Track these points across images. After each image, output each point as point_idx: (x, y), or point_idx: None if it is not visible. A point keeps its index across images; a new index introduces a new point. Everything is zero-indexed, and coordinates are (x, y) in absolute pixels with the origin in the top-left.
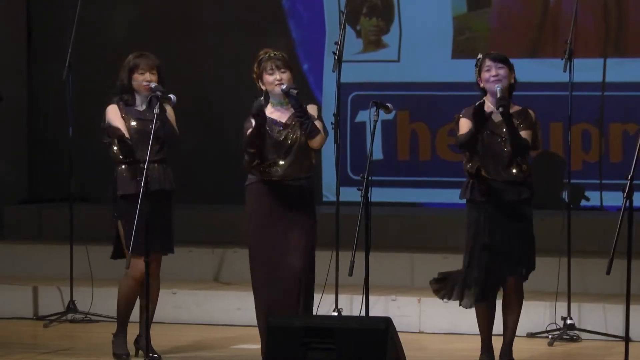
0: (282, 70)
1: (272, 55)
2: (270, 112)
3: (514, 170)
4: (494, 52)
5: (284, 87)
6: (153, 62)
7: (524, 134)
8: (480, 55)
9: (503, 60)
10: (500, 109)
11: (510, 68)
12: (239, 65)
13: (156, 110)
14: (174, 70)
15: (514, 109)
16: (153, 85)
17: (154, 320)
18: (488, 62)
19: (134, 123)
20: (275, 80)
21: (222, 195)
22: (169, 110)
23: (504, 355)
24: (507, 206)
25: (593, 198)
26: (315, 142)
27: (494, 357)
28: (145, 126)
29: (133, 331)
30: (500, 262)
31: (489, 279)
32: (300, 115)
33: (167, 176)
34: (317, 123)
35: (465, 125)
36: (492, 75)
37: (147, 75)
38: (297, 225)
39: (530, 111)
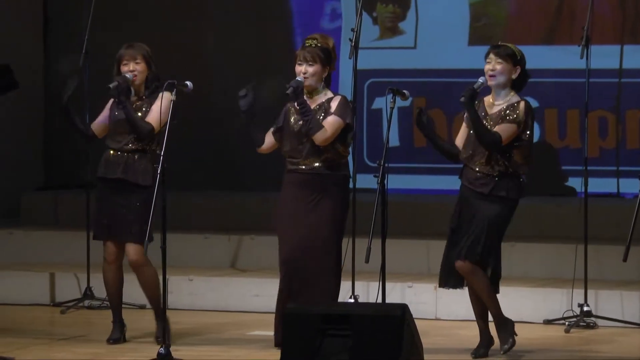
0: (310, 63)
1: (307, 44)
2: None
3: (485, 168)
4: (503, 44)
5: (296, 80)
6: (136, 52)
7: (503, 127)
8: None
9: (504, 55)
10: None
11: (515, 63)
12: (248, 53)
13: (173, 97)
14: (184, 58)
15: (510, 102)
16: (112, 85)
17: (170, 306)
18: (490, 55)
19: (116, 112)
20: (300, 72)
21: (239, 182)
22: (161, 101)
23: (498, 329)
24: (478, 196)
25: (610, 185)
26: (315, 139)
27: (492, 342)
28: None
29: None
30: (454, 247)
31: (447, 263)
32: (301, 112)
33: (134, 168)
34: (329, 119)
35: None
36: (490, 70)
37: (131, 65)
38: (317, 216)
39: (522, 104)
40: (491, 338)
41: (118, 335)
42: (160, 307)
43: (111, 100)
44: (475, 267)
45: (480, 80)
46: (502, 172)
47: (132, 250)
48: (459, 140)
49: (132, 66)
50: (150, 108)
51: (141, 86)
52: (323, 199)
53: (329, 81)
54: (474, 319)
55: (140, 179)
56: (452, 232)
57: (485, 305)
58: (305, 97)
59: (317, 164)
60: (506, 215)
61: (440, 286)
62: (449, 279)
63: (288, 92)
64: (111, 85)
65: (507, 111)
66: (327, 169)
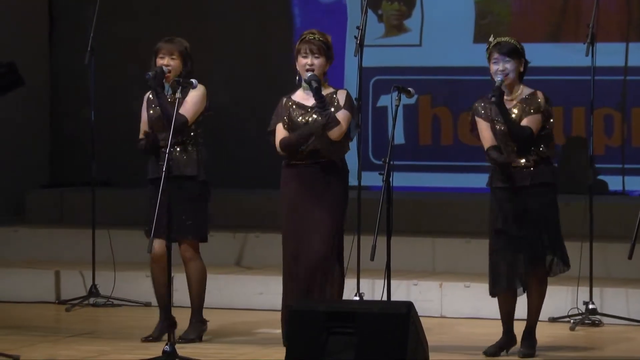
0: (316, 55)
1: (310, 37)
2: (300, 95)
3: (522, 160)
4: (503, 41)
5: (308, 74)
6: (174, 47)
7: (531, 119)
8: (491, 39)
9: (509, 52)
10: (493, 98)
11: (520, 57)
12: (255, 47)
13: (178, 95)
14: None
15: (523, 94)
16: (148, 74)
17: (175, 304)
18: (496, 55)
19: (151, 111)
20: (306, 64)
21: (243, 180)
22: (194, 92)
23: (525, 338)
24: (520, 192)
25: (615, 183)
26: (332, 134)
27: (515, 342)
28: (158, 113)
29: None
30: (519, 251)
31: (508, 268)
32: (320, 106)
33: (177, 161)
34: (340, 113)
35: (484, 127)
36: (500, 70)
37: (166, 60)
38: (320, 209)
39: (539, 93)
40: (514, 338)
41: (157, 334)
42: (199, 308)
43: (144, 101)
44: (546, 276)
45: (498, 78)
46: (536, 160)
47: (183, 243)
48: (491, 141)
49: (167, 60)
50: (182, 102)
51: (174, 82)
52: (327, 191)
53: None
54: (479, 316)
55: (185, 170)
56: (497, 234)
57: (514, 307)
58: (309, 89)
59: (320, 157)
60: (554, 201)
61: (493, 295)
62: (510, 283)
63: (315, 85)
64: (149, 74)
65: (527, 103)
66: (330, 162)
